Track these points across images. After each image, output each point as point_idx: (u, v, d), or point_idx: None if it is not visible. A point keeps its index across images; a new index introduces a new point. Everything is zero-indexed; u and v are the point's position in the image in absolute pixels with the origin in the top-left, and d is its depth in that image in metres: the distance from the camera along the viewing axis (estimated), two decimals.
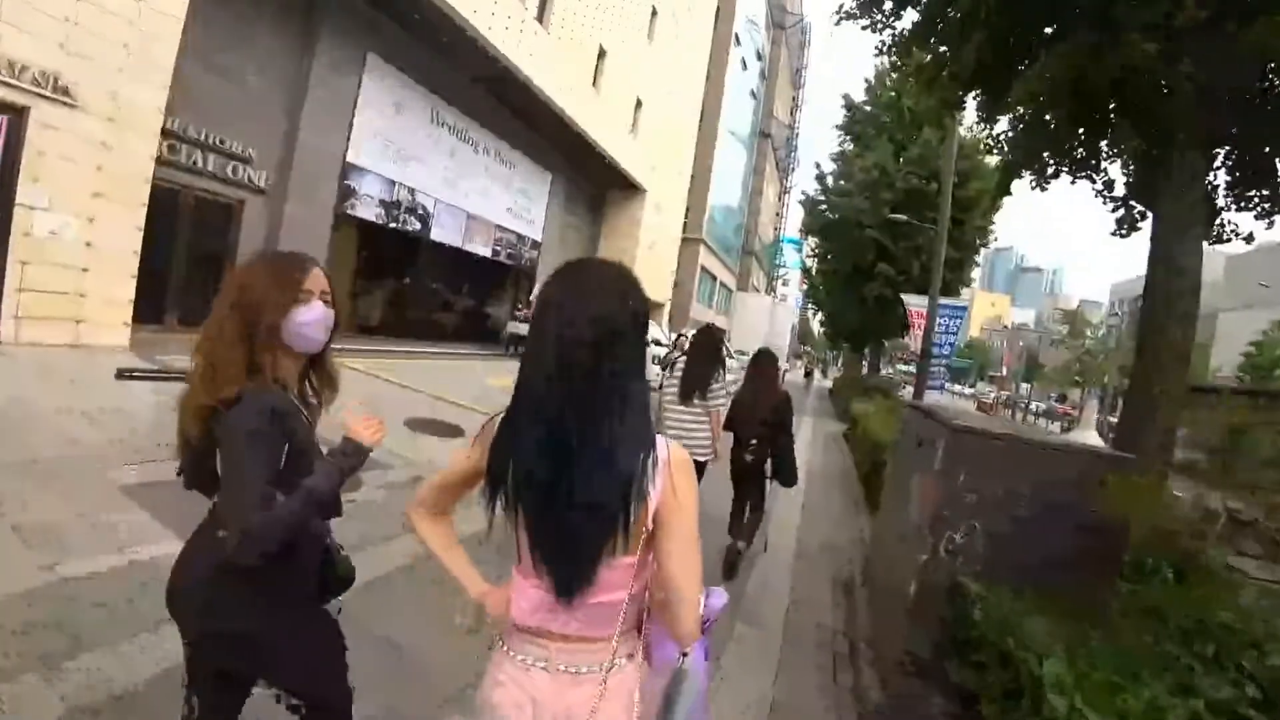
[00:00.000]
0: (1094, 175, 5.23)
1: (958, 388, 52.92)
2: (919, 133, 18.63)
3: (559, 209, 21.32)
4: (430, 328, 17.12)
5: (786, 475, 4.41)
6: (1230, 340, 37.90)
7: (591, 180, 23.24)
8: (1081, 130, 5.02)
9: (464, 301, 19.66)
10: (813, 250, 26.89)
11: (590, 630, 1.04)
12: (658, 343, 14.65)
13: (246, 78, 10.59)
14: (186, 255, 10.35)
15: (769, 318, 42.63)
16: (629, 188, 24.01)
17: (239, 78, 10.44)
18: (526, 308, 18.67)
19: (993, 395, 52.49)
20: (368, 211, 13.30)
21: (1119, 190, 5.20)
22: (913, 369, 44.05)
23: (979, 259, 21.29)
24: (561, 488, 0.97)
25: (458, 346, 16.46)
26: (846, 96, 21.51)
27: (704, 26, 28.64)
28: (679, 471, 1.03)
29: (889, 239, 18.84)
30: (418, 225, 14.83)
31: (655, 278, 27.06)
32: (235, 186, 10.78)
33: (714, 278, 38.83)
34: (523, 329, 16.98)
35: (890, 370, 46.73)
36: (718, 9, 30.34)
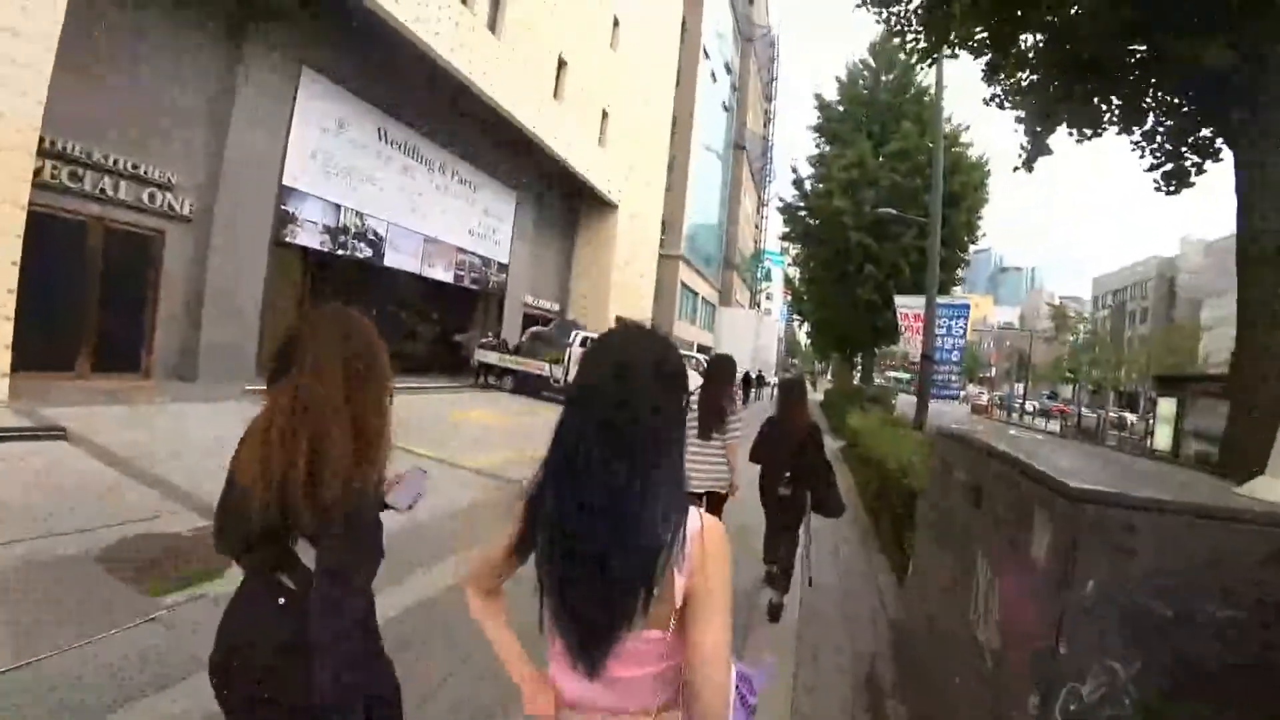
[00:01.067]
0: (1136, 124, 4.28)
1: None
2: (897, 125, 17.90)
3: (528, 228, 20.28)
4: (391, 361, 15.88)
5: (831, 506, 4.09)
6: (1218, 326, 37.33)
7: (561, 197, 22.32)
8: (1101, 76, 4.12)
9: (429, 331, 18.48)
10: (793, 259, 26.12)
11: (625, 704, 0.99)
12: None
13: (164, 95, 9.58)
14: (100, 293, 9.23)
15: (754, 332, 41.88)
16: (602, 203, 23.11)
17: (155, 96, 9.44)
18: (496, 335, 17.59)
19: (985, 397, 51.97)
20: (310, 239, 12.21)
21: (1156, 143, 4.26)
22: (901, 374, 43.29)
23: (967, 257, 20.46)
24: (585, 553, 0.92)
25: (424, 380, 15.26)
26: (819, 96, 20.81)
27: (670, 37, 28.11)
28: (711, 544, 0.95)
29: (873, 239, 18.05)
30: (369, 251, 13.74)
31: (634, 294, 26.14)
32: (155, 215, 9.71)
33: (695, 293, 38.21)
34: (491, 357, 15.93)
35: (881, 380, 46.01)
36: (684, 20, 29.89)
